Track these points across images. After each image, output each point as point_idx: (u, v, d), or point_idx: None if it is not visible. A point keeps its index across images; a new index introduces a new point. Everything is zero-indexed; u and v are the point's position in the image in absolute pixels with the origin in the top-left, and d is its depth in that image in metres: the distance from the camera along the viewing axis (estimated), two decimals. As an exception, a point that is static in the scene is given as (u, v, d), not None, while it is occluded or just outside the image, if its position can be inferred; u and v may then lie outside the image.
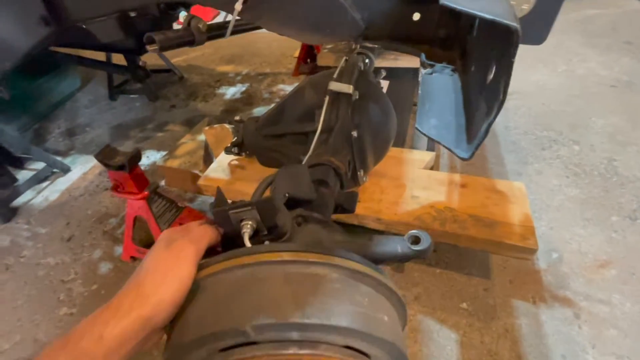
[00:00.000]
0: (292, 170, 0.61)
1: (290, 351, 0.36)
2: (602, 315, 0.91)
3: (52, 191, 1.50)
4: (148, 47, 0.68)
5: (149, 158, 1.65)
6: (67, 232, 1.29)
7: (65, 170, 1.61)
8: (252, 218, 0.47)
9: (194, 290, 0.40)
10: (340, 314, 0.37)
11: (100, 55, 2.00)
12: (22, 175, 1.52)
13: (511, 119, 1.66)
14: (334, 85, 0.81)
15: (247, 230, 0.46)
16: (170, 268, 0.36)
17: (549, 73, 2.03)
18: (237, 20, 0.71)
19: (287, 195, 0.56)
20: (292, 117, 0.94)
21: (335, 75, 0.84)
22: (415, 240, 0.55)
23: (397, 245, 0.55)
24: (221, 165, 1.21)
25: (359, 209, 1.00)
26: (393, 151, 1.21)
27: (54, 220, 1.35)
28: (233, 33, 1.07)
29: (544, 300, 0.96)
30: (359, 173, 0.91)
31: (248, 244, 0.45)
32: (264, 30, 0.85)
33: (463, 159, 0.62)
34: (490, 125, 0.57)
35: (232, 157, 1.20)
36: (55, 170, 1.57)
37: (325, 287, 0.40)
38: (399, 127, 1.48)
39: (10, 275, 1.17)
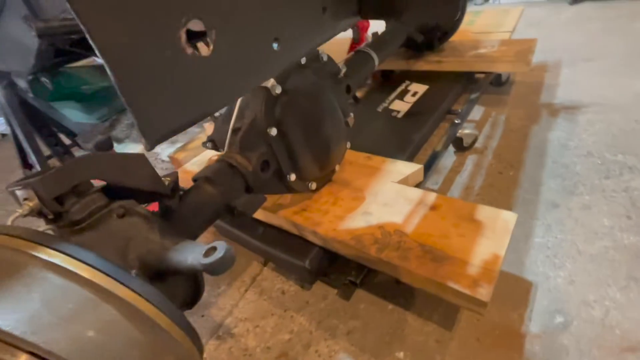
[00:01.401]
0: (123, 158, 0.57)
1: None
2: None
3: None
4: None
5: (178, 150, 1.82)
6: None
7: (116, 154, 1.89)
8: (31, 198, 0.46)
9: None
10: (5, 317, 0.33)
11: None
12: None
13: (576, 136, 1.28)
14: (254, 78, 0.75)
15: (21, 210, 0.45)
16: None
17: (665, 81, 1.50)
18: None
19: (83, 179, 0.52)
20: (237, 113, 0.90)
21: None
22: (212, 252, 0.46)
23: (189, 255, 0.47)
24: (202, 159, 1.24)
25: (300, 218, 0.90)
26: (373, 160, 1.06)
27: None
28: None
29: (510, 377, 0.69)
30: (288, 177, 0.81)
31: (8, 223, 0.44)
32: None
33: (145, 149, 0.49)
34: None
35: (214, 152, 1.23)
36: (102, 152, 1.87)
37: (19, 284, 0.36)
38: (414, 135, 1.29)
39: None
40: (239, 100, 0.76)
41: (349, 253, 0.82)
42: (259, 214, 1.00)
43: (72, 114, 2.37)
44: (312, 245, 0.91)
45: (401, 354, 0.77)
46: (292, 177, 0.82)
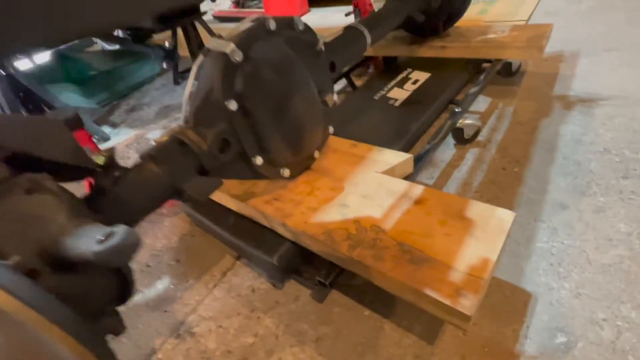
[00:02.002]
0: (35, 122, 0.48)
1: None
2: None
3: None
4: None
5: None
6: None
7: (105, 138, 1.83)
8: None
9: None
10: None
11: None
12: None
13: (592, 131, 1.15)
14: (212, 43, 0.65)
15: None
16: None
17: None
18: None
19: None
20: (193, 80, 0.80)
21: (226, 34, 0.68)
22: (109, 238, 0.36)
23: (84, 241, 0.38)
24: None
25: (270, 208, 0.80)
26: (359, 148, 0.95)
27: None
28: None
29: (496, 405, 0.59)
30: (253, 160, 0.72)
31: None
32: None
33: None
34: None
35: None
36: (96, 137, 1.81)
37: None
38: (411, 125, 1.18)
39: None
40: (196, 65, 0.66)
41: (320, 249, 0.72)
42: (229, 203, 0.91)
43: (72, 98, 2.32)
44: (284, 239, 0.82)
45: (373, 369, 0.67)
46: (259, 160, 0.72)
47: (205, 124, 0.64)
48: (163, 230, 1.15)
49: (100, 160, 0.55)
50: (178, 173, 0.61)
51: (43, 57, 2.84)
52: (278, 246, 0.81)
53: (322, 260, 0.81)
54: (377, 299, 0.80)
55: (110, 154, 0.57)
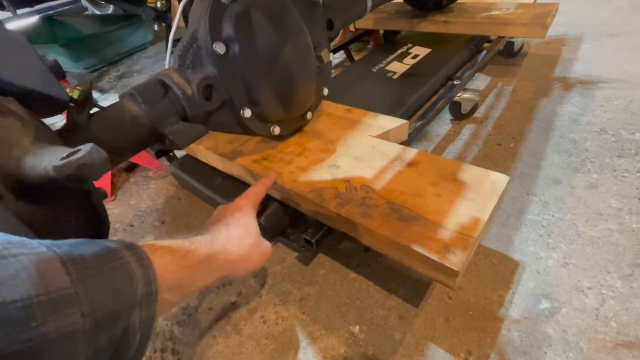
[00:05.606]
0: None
1: None
2: None
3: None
4: None
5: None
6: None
7: (93, 102, 1.77)
8: None
9: None
10: None
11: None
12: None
13: (590, 112, 1.13)
14: (201, -18, 0.61)
15: None
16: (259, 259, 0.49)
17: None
18: None
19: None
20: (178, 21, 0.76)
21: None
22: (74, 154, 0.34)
23: (46, 158, 0.35)
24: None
25: (258, 167, 0.78)
26: (354, 113, 0.92)
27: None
28: None
29: (478, 364, 0.58)
30: (241, 112, 0.68)
31: None
32: None
33: None
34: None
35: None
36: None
37: None
38: (408, 97, 1.15)
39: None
40: (181, 6, 0.62)
41: (308, 208, 0.70)
42: (216, 162, 0.88)
43: (58, 61, 2.23)
44: (272, 200, 0.80)
45: (356, 328, 0.66)
46: (247, 112, 0.69)
47: (191, 67, 0.61)
48: (148, 192, 1.12)
49: (74, 94, 0.52)
50: (159, 116, 0.57)
51: (30, 19, 2.73)
52: (265, 206, 0.79)
53: (309, 224, 0.79)
54: (363, 263, 0.79)
55: (86, 88, 0.53)
